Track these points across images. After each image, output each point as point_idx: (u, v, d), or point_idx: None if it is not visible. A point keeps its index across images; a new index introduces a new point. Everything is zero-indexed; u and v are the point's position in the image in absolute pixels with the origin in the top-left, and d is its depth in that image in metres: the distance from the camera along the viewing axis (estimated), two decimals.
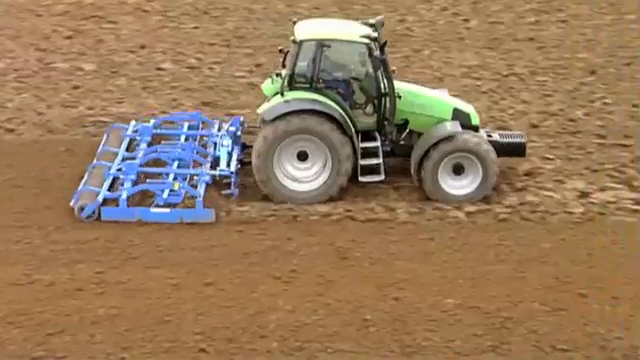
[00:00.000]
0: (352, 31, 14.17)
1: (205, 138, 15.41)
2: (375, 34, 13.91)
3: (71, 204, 13.52)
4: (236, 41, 21.16)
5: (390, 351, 10.71)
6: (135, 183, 13.88)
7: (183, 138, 15.35)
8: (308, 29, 14.28)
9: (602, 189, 14.35)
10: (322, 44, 13.81)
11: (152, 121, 15.74)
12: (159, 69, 19.46)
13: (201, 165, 14.39)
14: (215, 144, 14.98)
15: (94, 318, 11.20)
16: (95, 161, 14.51)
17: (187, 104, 17.64)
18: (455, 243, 12.99)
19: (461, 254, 12.73)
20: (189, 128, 15.75)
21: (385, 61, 13.88)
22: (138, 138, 15.15)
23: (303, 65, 13.93)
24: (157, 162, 14.59)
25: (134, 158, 14.44)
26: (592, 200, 14.07)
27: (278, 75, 14.30)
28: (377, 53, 13.79)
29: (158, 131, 15.47)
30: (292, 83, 13.93)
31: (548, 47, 20.63)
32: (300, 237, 13.09)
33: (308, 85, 13.94)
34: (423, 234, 13.22)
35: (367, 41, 13.83)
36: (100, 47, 20.35)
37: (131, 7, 22.88)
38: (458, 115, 14.36)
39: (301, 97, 13.82)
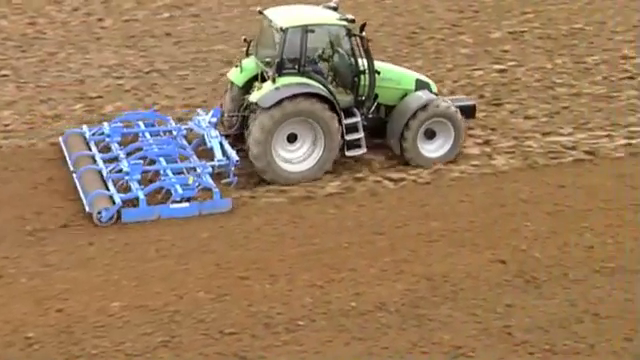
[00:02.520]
0: (329, 15, 14.87)
1: (174, 133, 15.35)
2: (353, 16, 14.64)
3: (87, 210, 13.25)
4: None
5: None
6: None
7: (148, 135, 15.27)
8: (288, 16, 14.69)
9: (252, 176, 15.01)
10: (307, 29, 14.37)
11: (106, 123, 15.47)
12: None
13: (187, 158, 14.50)
14: (185, 137, 15.23)
15: None
16: (72, 167, 14.40)
17: None
18: (116, 245, 12.83)
19: (122, 255, 12.60)
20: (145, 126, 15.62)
21: (366, 40, 14.54)
22: (107, 139, 14.99)
23: (289, 51, 14.37)
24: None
25: (116, 159, 14.39)
26: (242, 187, 14.59)
27: (268, 64, 14.58)
28: (364, 33, 14.54)
29: (125, 130, 15.29)
30: (281, 69, 14.30)
31: (184, 41, 21.03)
32: None
33: (296, 70, 14.43)
34: (81, 240, 12.91)
35: (346, 23, 14.58)
36: None
37: None
38: (420, 85, 15.39)
39: (292, 82, 14.37)
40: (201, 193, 13.78)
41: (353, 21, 14.65)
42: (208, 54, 20.30)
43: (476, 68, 19.37)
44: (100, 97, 17.89)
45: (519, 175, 14.96)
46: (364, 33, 14.67)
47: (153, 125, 15.77)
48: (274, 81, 14.34)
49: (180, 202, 13.59)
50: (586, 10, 23.22)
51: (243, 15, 22.91)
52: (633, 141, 15.93)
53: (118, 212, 13.31)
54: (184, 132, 15.38)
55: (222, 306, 11.46)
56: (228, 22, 22.44)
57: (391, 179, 14.86)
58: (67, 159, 14.87)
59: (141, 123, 15.74)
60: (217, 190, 13.75)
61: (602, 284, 11.93)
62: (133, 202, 13.59)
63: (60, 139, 15.55)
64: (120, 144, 14.97)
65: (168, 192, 13.80)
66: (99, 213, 13.21)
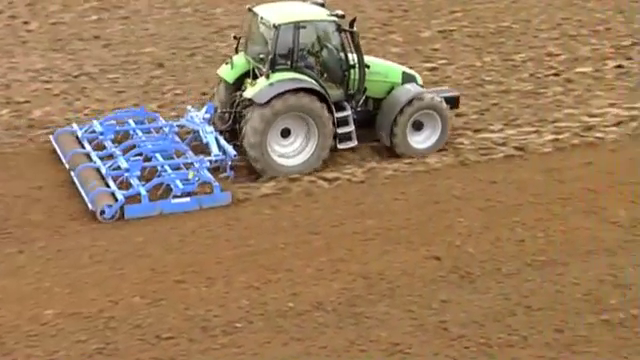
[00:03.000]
0: (319, 11, 15.19)
1: (165, 129, 15.50)
2: (342, 12, 14.98)
3: (90, 208, 13.36)
4: None
5: None
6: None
7: (140, 132, 15.49)
8: (280, 13, 14.90)
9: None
10: (298, 26, 14.62)
11: (95, 121, 15.67)
12: None
13: (183, 154, 14.69)
14: (177, 133, 15.39)
15: None
16: (68, 165, 14.51)
17: None
18: (47, 252, 12.60)
19: (55, 262, 12.37)
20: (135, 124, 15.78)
21: (357, 34, 14.92)
22: (100, 137, 15.13)
23: (281, 47, 14.64)
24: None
25: (111, 156, 14.50)
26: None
27: (262, 60, 14.83)
28: (355, 29, 14.89)
29: (118, 128, 15.50)
30: (274, 65, 14.52)
31: (114, 44, 20.78)
32: None
33: (288, 66, 14.68)
34: (10, 248, 12.65)
35: (336, 19, 14.86)
36: None
37: None
38: (407, 78, 15.78)
39: (285, 78, 14.59)
40: (200, 188, 13.91)
41: (343, 17, 14.96)
42: (138, 57, 20.09)
43: (407, 67, 19.54)
44: (28, 102, 17.56)
45: (451, 172, 15.15)
46: (355, 28, 14.94)
47: (143, 122, 15.86)
48: (268, 77, 14.53)
49: (181, 197, 13.70)
50: (512, 9, 23.65)
51: (173, 17, 22.76)
52: (560, 136, 16.28)
53: (121, 209, 13.36)
54: (176, 129, 15.48)
55: (158, 311, 11.34)
56: (158, 24, 22.24)
57: (326, 179, 14.91)
58: (61, 157, 14.92)
59: (131, 121, 15.81)
60: (217, 184, 13.89)
61: (533, 277, 12.15)
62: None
63: (51, 137, 15.56)
64: (113, 141, 15.09)
65: (168, 188, 13.90)
66: (102, 211, 13.28)
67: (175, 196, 13.73)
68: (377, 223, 13.47)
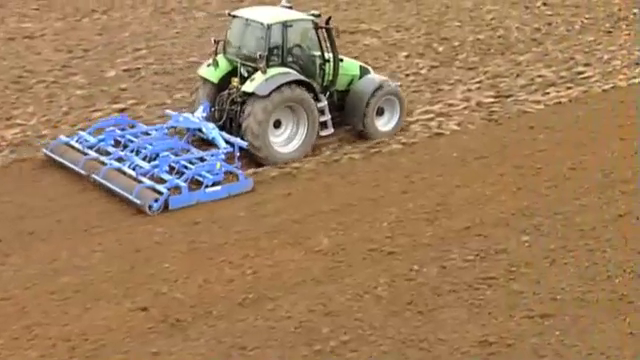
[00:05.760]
0: (298, 12, 16.86)
1: (156, 132, 16.66)
2: (318, 12, 17.00)
3: (138, 203, 14.29)
4: None
5: None
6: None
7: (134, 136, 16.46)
8: (266, 15, 16.47)
9: None
10: (286, 25, 16.13)
11: (82, 132, 16.54)
12: None
13: (188, 151, 15.97)
14: (166, 134, 16.58)
15: None
16: (85, 171, 15.26)
17: None
18: None
19: None
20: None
21: (336, 30, 16.67)
22: (102, 144, 16.09)
23: (273, 45, 16.17)
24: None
25: (122, 159, 15.51)
26: None
27: (261, 57, 15.93)
28: (333, 24, 16.67)
29: (117, 134, 16.42)
30: (268, 62, 15.94)
31: None
32: None
33: (278, 61, 16.15)
34: None
35: (314, 18, 16.61)
36: None
37: None
38: (363, 71, 17.61)
39: (279, 72, 16.04)
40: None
41: (319, 16, 16.89)
42: None
43: (95, 109, 18.68)
44: None
45: (150, 217, 14.44)
46: (333, 24, 16.69)
47: (124, 129, 16.70)
48: (264, 72, 15.80)
49: (212, 186, 14.93)
50: (198, 44, 23.44)
51: None
52: (259, 169, 16.19)
53: (165, 201, 14.40)
54: (166, 130, 16.66)
55: None
56: None
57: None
58: (71, 166, 15.59)
59: (113, 127, 16.54)
60: (241, 172, 15.19)
61: (246, 316, 11.86)
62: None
63: (46, 151, 16.16)
64: (113, 146, 16.08)
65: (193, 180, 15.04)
66: (150, 206, 14.23)
67: (207, 186, 14.84)
68: (74, 279, 12.55)
